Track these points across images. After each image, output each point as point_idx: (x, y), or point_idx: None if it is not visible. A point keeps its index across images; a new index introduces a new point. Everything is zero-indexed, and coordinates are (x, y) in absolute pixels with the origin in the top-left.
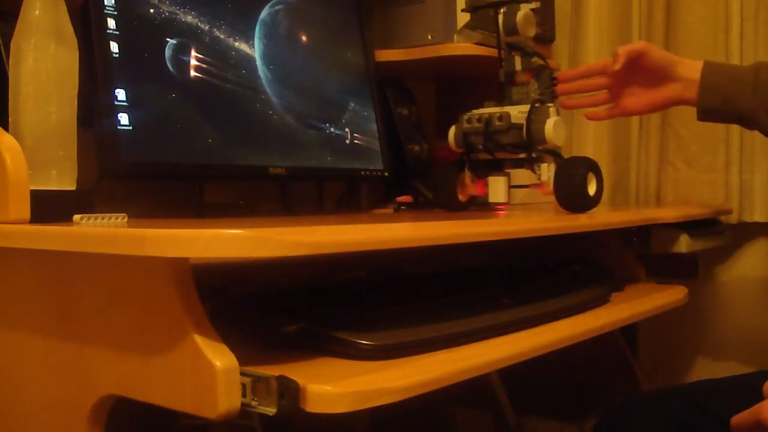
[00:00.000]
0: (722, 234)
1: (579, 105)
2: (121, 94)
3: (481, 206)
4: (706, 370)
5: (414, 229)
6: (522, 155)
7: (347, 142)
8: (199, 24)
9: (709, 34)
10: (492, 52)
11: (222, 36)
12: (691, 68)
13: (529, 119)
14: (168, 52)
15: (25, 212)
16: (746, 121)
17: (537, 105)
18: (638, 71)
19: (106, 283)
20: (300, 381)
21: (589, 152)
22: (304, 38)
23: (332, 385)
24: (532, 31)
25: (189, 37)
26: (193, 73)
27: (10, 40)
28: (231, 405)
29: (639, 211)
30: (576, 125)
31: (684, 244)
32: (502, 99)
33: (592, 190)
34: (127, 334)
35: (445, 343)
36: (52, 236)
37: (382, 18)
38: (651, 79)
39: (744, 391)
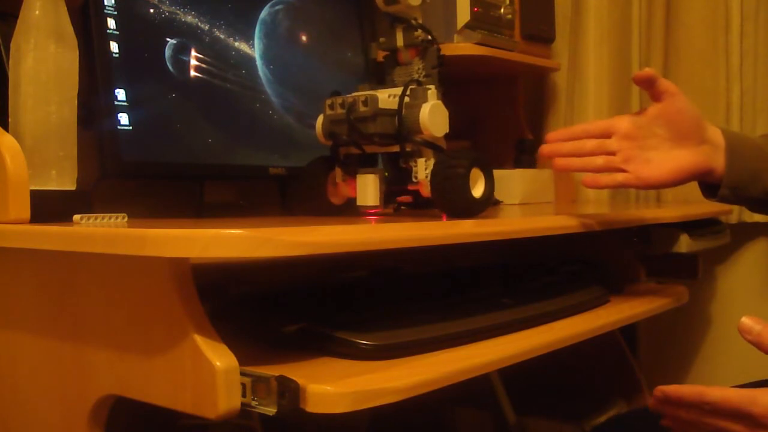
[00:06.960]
0: (722, 234)
1: (575, 168)
2: (121, 94)
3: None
4: (705, 370)
5: (414, 229)
6: (394, 148)
7: None
8: (199, 24)
9: (709, 34)
10: (493, 52)
11: (222, 36)
12: (714, 130)
13: (400, 104)
14: (168, 52)
15: (25, 212)
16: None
17: (412, 87)
18: (661, 126)
19: (106, 283)
20: (300, 381)
21: None
22: (304, 38)
23: (332, 385)
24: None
25: (189, 37)
26: (193, 73)
27: (10, 40)
28: (231, 405)
29: (639, 211)
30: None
31: (684, 244)
32: (382, 81)
33: (478, 190)
34: (127, 334)
35: (445, 343)
36: (52, 236)
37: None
38: (674, 139)
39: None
